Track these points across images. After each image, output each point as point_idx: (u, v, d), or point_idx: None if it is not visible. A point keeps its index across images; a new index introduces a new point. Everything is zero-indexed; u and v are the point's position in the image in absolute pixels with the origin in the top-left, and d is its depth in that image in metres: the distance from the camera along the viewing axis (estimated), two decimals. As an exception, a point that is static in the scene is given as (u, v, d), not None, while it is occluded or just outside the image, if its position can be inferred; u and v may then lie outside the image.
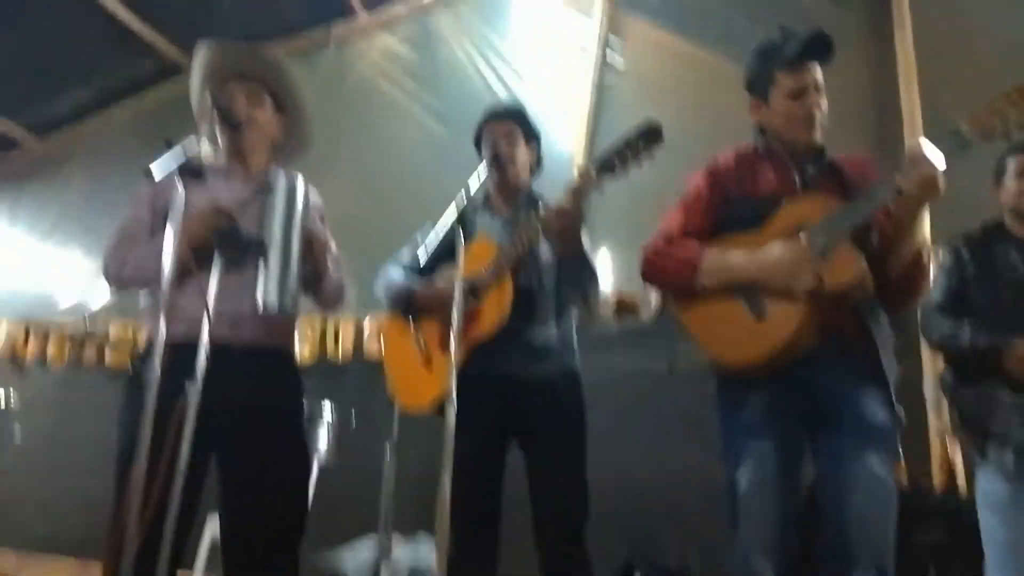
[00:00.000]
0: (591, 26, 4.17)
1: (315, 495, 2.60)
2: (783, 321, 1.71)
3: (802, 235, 1.72)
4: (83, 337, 3.98)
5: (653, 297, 3.52)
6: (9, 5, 4.24)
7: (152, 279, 1.75)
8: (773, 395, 1.76)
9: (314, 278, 2.09)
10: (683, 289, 1.86)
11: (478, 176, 2.13)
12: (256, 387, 1.97)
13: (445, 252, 2.14)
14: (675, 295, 1.91)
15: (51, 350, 4.69)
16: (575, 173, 2.06)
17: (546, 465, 2.18)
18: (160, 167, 1.68)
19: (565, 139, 3.98)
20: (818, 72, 1.90)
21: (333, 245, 2.22)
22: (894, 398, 1.73)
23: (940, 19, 3.59)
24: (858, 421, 1.70)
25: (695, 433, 2.89)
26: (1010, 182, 2.22)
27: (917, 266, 1.76)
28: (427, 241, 1.97)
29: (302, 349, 4.01)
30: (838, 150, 1.96)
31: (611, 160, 1.96)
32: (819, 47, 1.88)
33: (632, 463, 3.33)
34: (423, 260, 2.21)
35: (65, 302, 4.87)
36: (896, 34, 3.61)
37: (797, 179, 1.88)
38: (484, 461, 2.20)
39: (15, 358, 4.80)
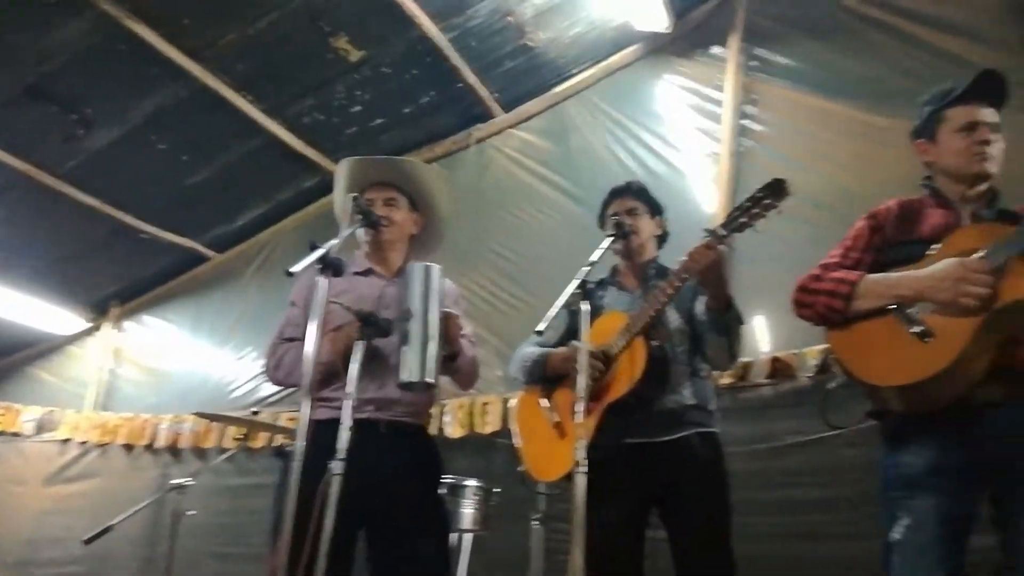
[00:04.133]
0: (723, 96, 4.17)
1: (469, 569, 2.60)
2: (950, 338, 1.55)
3: (974, 255, 1.60)
4: (256, 426, 4.33)
5: (813, 358, 3.35)
6: (195, 142, 4.87)
7: (303, 377, 1.91)
8: (943, 445, 1.59)
9: (449, 357, 2.20)
10: (837, 315, 1.75)
11: (600, 250, 2.16)
12: (399, 459, 2.07)
13: (573, 326, 2.19)
14: (828, 324, 1.80)
15: (227, 439, 5.14)
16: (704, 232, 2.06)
17: (689, 533, 2.11)
18: (299, 267, 1.86)
19: (709, 206, 3.96)
20: (992, 113, 1.83)
21: (468, 326, 2.34)
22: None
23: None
24: None
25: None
26: None
27: None
28: (549, 314, 2.01)
29: (452, 426, 4.19)
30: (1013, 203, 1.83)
31: (736, 215, 2.01)
32: (990, 84, 1.83)
33: (790, 535, 3.12)
34: (548, 332, 2.23)
35: (242, 397, 5.32)
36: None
37: (966, 221, 1.77)
38: (622, 531, 2.14)
39: (197, 447, 5.33)
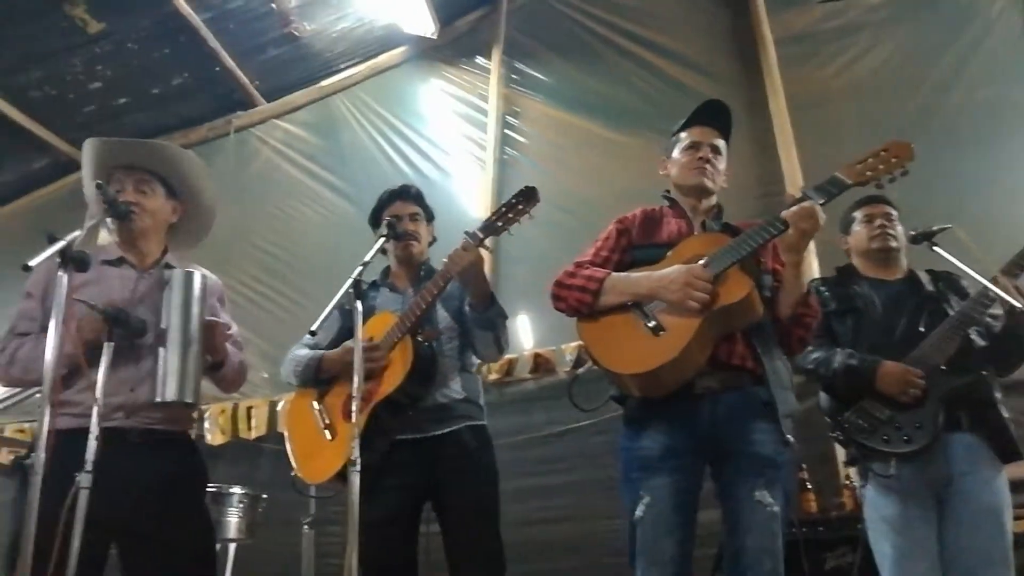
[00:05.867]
0: (488, 106, 4.39)
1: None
2: (678, 333, 1.79)
3: (699, 261, 1.85)
4: None
5: (570, 353, 3.65)
6: None
7: (41, 376, 1.72)
8: (672, 429, 1.84)
9: (214, 362, 2.10)
10: (586, 308, 1.94)
11: (374, 251, 2.20)
12: (155, 471, 1.94)
13: (346, 326, 2.20)
14: (579, 316, 1.98)
15: None
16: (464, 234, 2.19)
17: (460, 525, 2.19)
18: (37, 261, 1.68)
19: (475, 210, 4.15)
20: (715, 135, 2.10)
21: (234, 328, 2.24)
22: (787, 432, 1.81)
23: (806, 82, 3.95)
24: (748, 455, 1.79)
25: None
26: (860, 228, 2.45)
27: (807, 304, 1.89)
28: (323, 314, 2.01)
29: (213, 433, 4.00)
30: (728, 219, 2.13)
31: (491, 219, 2.18)
32: (715, 112, 2.11)
33: (551, 519, 3.38)
34: (320, 334, 2.24)
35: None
36: (770, 101, 3.90)
37: (697, 230, 2.03)
38: (395, 527, 2.18)
39: None
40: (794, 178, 3.70)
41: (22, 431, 4.18)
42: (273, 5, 4.18)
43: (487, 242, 2.21)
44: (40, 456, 1.58)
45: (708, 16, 4.20)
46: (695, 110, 2.13)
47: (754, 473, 1.78)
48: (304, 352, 2.40)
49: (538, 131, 4.33)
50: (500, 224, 2.15)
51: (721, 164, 2.11)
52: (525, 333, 3.95)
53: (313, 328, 1.99)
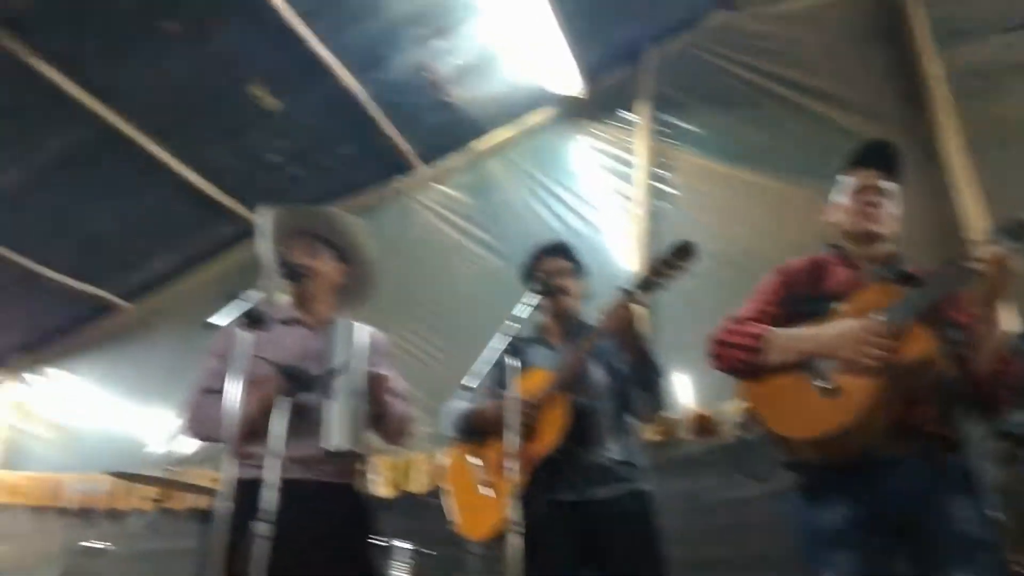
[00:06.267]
0: (636, 160, 4.36)
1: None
2: (855, 395, 1.64)
3: (873, 314, 1.70)
4: (174, 487, 4.12)
5: (736, 414, 3.45)
6: (103, 185, 4.71)
7: (226, 431, 1.85)
8: (855, 499, 1.67)
9: (378, 414, 2.17)
10: (749, 367, 1.83)
11: (526, 306, 2.21)
12: (326, 522, 2.01)
13: (501, 380, 2.20)
14: (741, 376, 1.87)
15: (143, 499, 4.88)
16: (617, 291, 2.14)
17: None
18: (219, 319, 1.82)
19: (626, 263, 4.10)
20: (882, 178, 1.96)
21: (399, 381, 2.31)
22: (991, 507, 1.62)
23: (982, 120, 3.60)
24: (951, 535, 1.59)
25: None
26: None
27: (1005, 361, 1.69)
28: (475, 368, 2.03)
29: (382, 485, 4.09)
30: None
31: (647, 275, 2.12)
32: (881, 153, 1.99)
33: None
34: (477, 388, 2.26)
35: (157, 453, 5.06)
36: (943, 142, 3.57)
37: (869, 280, 1.88)
38: None
39: (112, 509, 5.05)
40: (975, 223, 3.36)
41: (212, 479, 4.50)
42: (428, 75, 4.41)
43: (645, 297, 2.15)
44: (222, 506, 1.68)
45: (866, 55, 3.95)
46: (859, 151, 2.00)
47: (960, 557, 1.57)
48: (459, 406, 2.44)
49: (692, 183, 4.22)
50: (655, 279, 2.11)
51: (892, 208, 1.95)
52: (686, 392, 3.78)
53: (465, 382, 2.01)
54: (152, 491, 4.61)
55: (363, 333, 2.13)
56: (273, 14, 3.82)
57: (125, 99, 4.22)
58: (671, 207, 4.24)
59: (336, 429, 1.98)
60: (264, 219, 2.43)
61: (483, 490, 2.28)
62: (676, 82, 4.39)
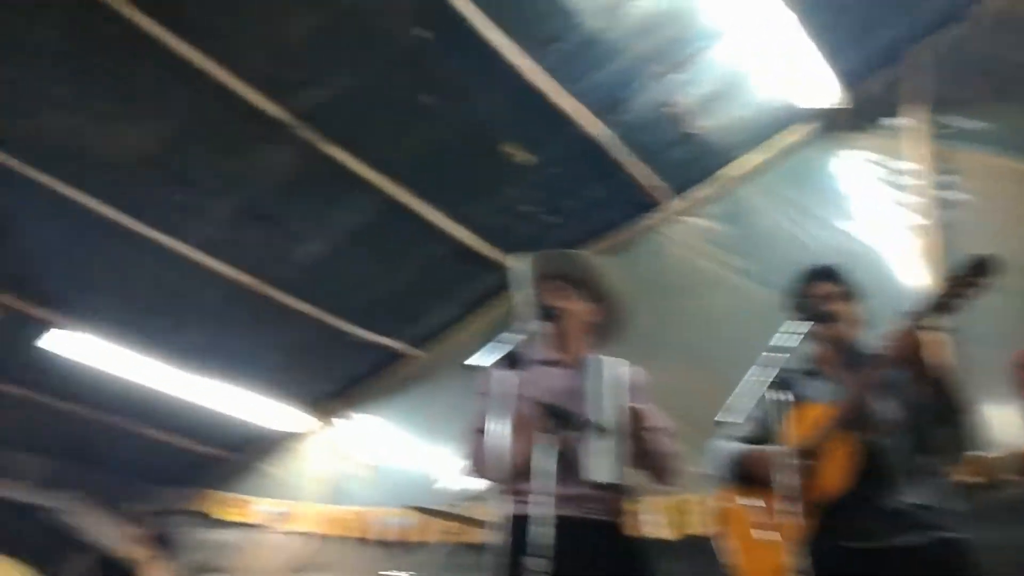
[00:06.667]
0: (912, 167, 3.88)
1: None
2: None
3: None
4: (463, 521, 4.43)
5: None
6: (388, 249, 5.30)
7: (499, 469, 1.97)
8: None
9: (641, 451, 2.17)
10: None
11: (790, 335, 2.05)
12: (596, 561, 2.04)
13: (768, 417, 2.07)
14: None
15: (442, 532, 5.25)
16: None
17: None
18: (477, 360, 1.97)
19: (910, 282, 3.66)
20: None
21: (660, 418, 2.30)
22: None
23: None
24: None
25: None
26: None
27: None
28: (735, 405, 1.92)
29: (660, 527, 3.98)
30: None
31: (937, 296, 1.91)
32: None
33: None
34: (745, 425, 2.16)
35: (449, 489, 5.40)
36: None
37: None
38: None
39: (413, 542, 5.49)
40: None
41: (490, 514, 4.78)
42: (670, 109, 4.36)
43: (938, 321, 1.91)
44: (494, 540, 1.79)
45: None
46: None
47: None
48: (728, 445, 2.33)
49: (984, 186, 3.66)
50: (948, 300, 1.87)
51: None
52: (1007, 427, 3.21)
53: (721, 418, 1.93)
54: (448, 525, 4.94)
55: (619, 369, 2.17)
56: (516, 75, 4.04)
57: (400, 170, 4.71)
58: (961, 215, 3.68)
59: (598, 463, 2.04)
60: (516, 266, 2.61)
61: (762, 534, 2.14)
62: (952, 78, 3.85)
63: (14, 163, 4.26)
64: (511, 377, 1.98)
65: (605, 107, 4.36)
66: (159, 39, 3.66)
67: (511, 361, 1.99)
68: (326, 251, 5.23)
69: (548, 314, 2.32)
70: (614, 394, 2.08)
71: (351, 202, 4.88)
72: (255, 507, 6.60)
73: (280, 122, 4.22)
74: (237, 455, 7.08)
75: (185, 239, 4.96)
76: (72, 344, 5.40)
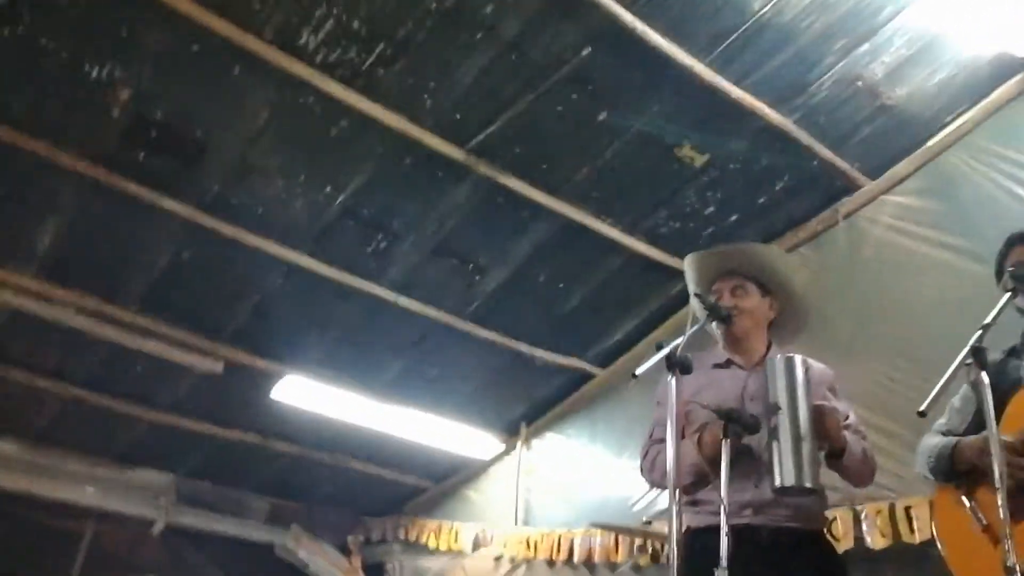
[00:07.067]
0: None
1: None
2: None
3: None
4: (649, 537, 4.34)
5: None
6: (568, 271, 5.35)
7: (670, 480, 1.90)
8: None
9: (832, 453, 2.03)
10: None
11: (997, 310, 1.84)
12: (787, 570, 1.93)
13: (986, 406, 1.86)
14: None
15: (624, 551, 5.23)
16: None
17: None
18: (643, 369, 1.90)
19: None
20: None
21: (852, 416, 2.16)
22: None
23: None
24: None
25: None
26: None
27: None
28: (933, 392, 1.74)
29: (873, 535, 3.69)
30: None
31: None
32: None
33: None
34: (954, 417, 1.96)
35: (643, 509, 5.36)
36: None
37: None
38: None
39: (607, 561, 5.44)
40: None
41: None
42: (859, 83, 4.09)
43: None
44: (672, 553, 1.72)
45: None
46: None
47: None
48: (935, 441, 2.14)
49: None
50: None
51: None
52: None
53: (922, 408, 1.75)
54: (637, 541, 4.85)
55: (802, 367, 2.02)
56: (690, 76, 3.96)
57: (574, 192, 4.74)
58: None
59: (784, 466, 1.90)
60: (687, 267, 2.50)
61: (984, 539, 1.94)
62: None
63: (240, 232, 4.74)
64: (687, 383, 1.89)
65: (786, 94, 4.17)
66: (354, 105, 4.04)
67: (684, 367, 1.90)
68: (508, 278, 5.34)
69: (721, 315, 2.20)
70: (796, 393, 1.93)
71: (529, 228, 4.97)
72: (456, 532, 6.78)
73: (457, 162, 4.39)
74: (437, 483, 7.34)
75: (379, 282, 5.23)
76: (295, 391, 5.89)
